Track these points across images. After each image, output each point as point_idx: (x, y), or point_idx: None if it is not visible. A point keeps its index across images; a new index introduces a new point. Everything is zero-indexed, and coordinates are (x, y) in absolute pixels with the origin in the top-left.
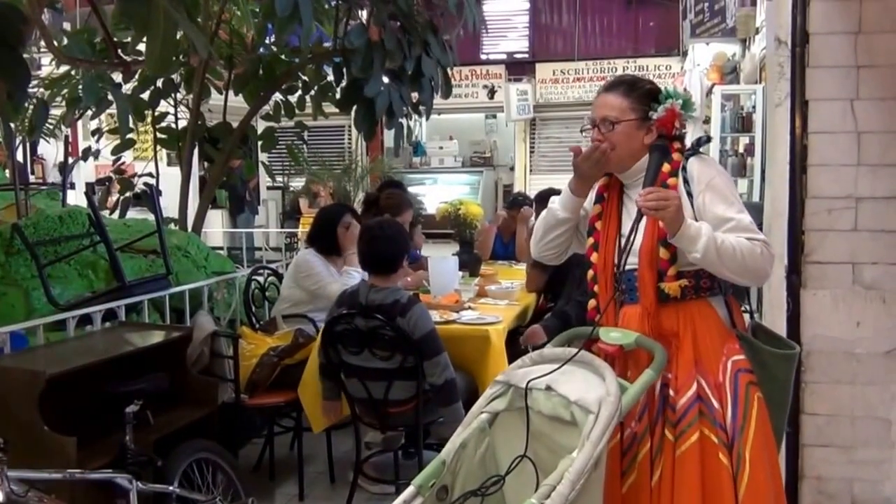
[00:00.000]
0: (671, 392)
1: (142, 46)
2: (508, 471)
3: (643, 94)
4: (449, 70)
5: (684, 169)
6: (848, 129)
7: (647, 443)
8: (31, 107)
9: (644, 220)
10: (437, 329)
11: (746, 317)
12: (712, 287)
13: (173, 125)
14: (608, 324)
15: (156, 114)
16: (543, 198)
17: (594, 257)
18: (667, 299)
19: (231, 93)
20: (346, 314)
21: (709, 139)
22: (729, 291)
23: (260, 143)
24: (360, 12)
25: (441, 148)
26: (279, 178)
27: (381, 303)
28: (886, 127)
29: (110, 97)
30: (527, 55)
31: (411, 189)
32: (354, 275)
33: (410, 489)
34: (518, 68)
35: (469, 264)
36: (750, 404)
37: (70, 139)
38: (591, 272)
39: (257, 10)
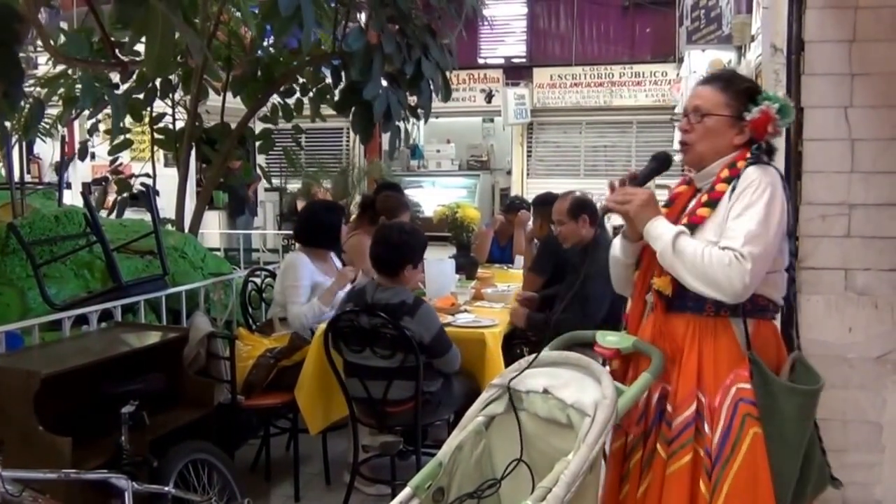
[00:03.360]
0: (668, 407)
1: (139, 47)
2: (504, 475)
3: (740, 91)
4: (448, 73)
5: (737, 178)
6: (842, 136)
7: (638, 451)
8: (28, 106)
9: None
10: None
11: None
12: (735, 308)
13: (171, 126)
14: (632, 330)
15: (153, 114)
16: (542, 202)
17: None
18: (670, 306)
19: (229, 94)
20: (351, 311)
21: (771, 150)
22: (764, 314)
23: (257, 144)
24: (358, 15)
25: (438, 151)
26: (276, 180)
27: (388, 302)
28: (879, 134)
29: (107, 97)
30: (524, 60)
31: (408, 192)
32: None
33: (407, 490)
34: (516, 73)
35: (466, 267)
36: (742, 438)
37: (66, 139)
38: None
39: (256, 11)
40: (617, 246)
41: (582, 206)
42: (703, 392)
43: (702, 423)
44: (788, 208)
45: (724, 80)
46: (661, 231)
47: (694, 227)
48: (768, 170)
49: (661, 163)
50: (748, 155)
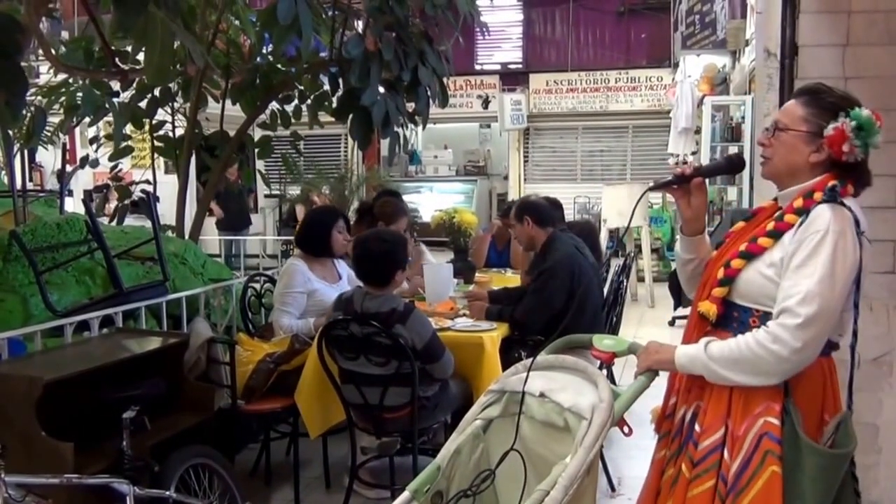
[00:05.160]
0: (697, 427)
1: (140, 55)
2: (498, 464)
3: (824, 106)
4: (445, 80)
5: (807, 214)
6: None
7: (671, 467)
8: (29, 115)
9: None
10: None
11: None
12: None
13: (171, 133)
14: (687, 339)
15: (153, 122)
16: None
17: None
18: (715, 325)
19: (228, 102)
20: (342, 319)
21: (859, 172)
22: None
23: (256, 151)
24: (356, 23)
25: (436, 157)
26: (275, 187)
27: (378, 311)
28: None
29: (108, 105)
30: (520, 66)
31: (406, 197)
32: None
33: (406, 494)
34: (512, 78)
35: (464, 272)
36: (759, 473)
37: (68, 147)
38: None
39: (255, 19)
40: (678, 242)
41: (524, 209)
42: (730, 418)
43: (724, 449)
44: (861, 255)
45: (810, 93)
46: (689, 355)
47: (750, 256)
48: (841, 213)
49: (729, 164)
50: (830, 183)
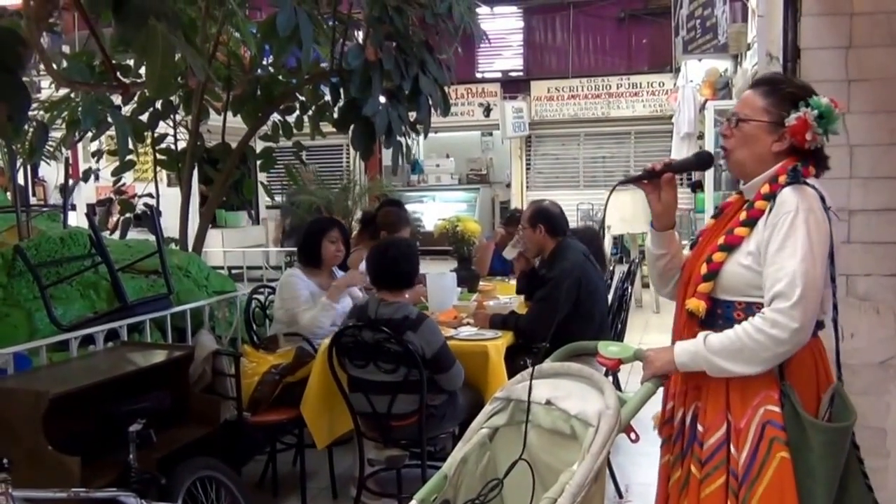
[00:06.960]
0: (699, 427)
1: (141, 69)
2: (506, 474)
3: (784, 96)
4: (446, 88)
5: (774, 198)
6: (840, 142)
7: (677, 471)
8: (32, 129)
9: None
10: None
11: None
12: None
13: (173, 146)
14: (677, 339)
15: (155, 135)
16: None
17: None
18: (702, 323)
19: (229, 114)
20: (353, 326)
21: (820, 158)
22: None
23: (259, 163)
24: (356, 33)
25: (438, 166)
26: (278, 198)
27: (391, 317)
28: (877, 140)
29: (110, 119)
30: (521, 73)
31: (409, 207)
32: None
33: (413, 503)
34: (513, 86)
35: (467, 280)
36: (768, 461)
37: (70, 161)
38: None
39: (255, 31)
40: (648, 237)
41: (538, 216)
42: (730, 412)
43: (730, 444)
44: (831, 229)
45: (769, 83)
46: (689, 351)
47: (730, 247)
48: (805, 192)
49: (699, 160)
50: (790, 166)
